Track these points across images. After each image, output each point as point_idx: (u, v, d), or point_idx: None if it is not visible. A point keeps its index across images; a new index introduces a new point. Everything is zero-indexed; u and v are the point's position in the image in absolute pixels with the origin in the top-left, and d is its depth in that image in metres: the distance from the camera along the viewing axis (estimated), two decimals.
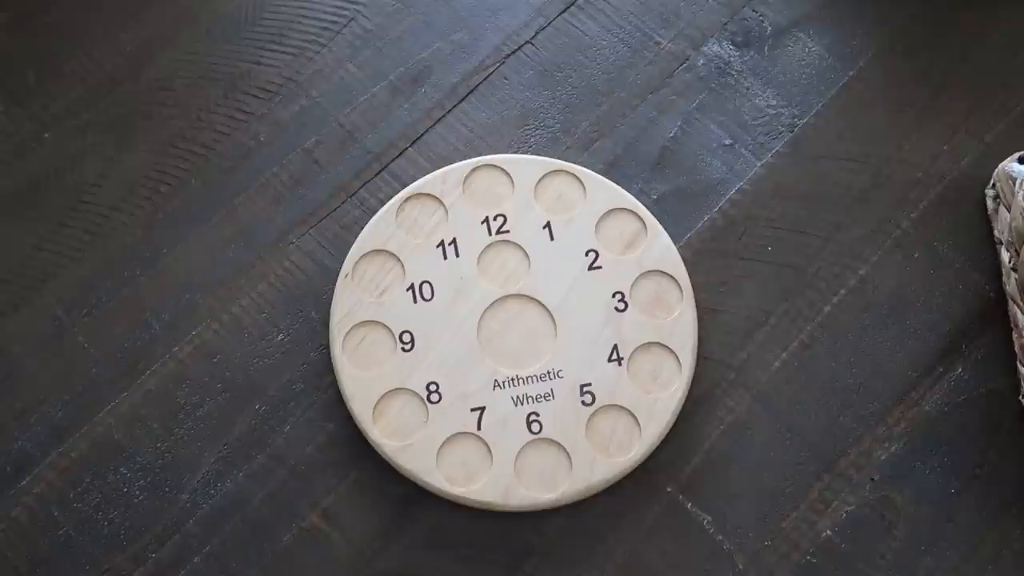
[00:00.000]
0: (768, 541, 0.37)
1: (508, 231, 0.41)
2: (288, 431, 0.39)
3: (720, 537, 0.37)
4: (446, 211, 0.41)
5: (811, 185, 0.42)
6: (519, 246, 0.40)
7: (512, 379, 0.38)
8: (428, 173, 0.42)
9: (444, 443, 0.38)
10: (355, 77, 0.45)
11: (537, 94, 0.44)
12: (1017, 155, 0.40)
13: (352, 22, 0.46)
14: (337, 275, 0.40)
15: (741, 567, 0.37)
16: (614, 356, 0.39)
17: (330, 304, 0.40)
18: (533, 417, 0.38)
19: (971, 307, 0.40)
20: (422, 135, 0.44)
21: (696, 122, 0.43)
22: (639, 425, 0.38)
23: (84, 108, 0.44)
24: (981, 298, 0.40)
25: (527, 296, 0.40)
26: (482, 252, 0.40)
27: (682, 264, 0.40)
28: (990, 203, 0.41)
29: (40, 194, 0.43)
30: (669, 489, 0.38)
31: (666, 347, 0.39)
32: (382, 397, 0.38)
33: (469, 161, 0.42)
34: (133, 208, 0.43)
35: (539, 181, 0.41)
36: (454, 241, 0.40)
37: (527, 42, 0.45)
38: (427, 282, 0.40)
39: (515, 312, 0.40)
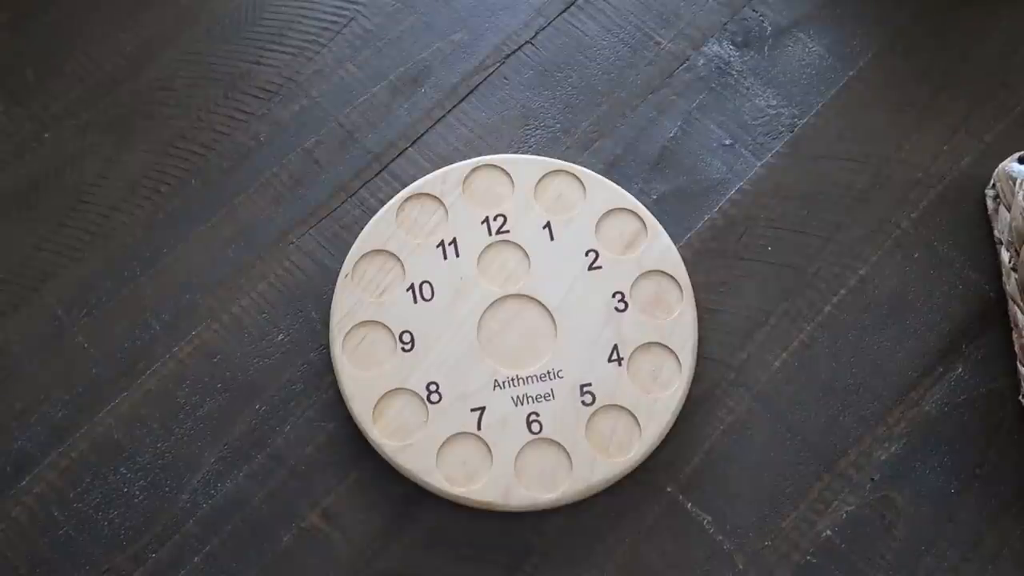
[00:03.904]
0: (768, 541, 0.37)
1: (508, 231, 0.41)
2: (288, 431, 0.39)
3: (720, 537, 0.37)
4: (446, 211, 0.41)
5: (811, 185, 0.42)
6: (519, 246, 0.40)
7: (512, 379, 0.38)
8: (428, 173, 0.42)
9: (444, 443, 0.38)
10: (355, 77, 0.45)
11: (537, 94, 0.44)
12: (1017, 155, 0.40)
13: (352, 22, 0.46)
14: (337, 275, 0.40)
15: (741, 567, 0.37)
16: (614, 356, 0.39)
17: (330, 304, 0.40)
18: (533, 417, 0.38)
19: (971, 307, 0.40)
20: (422, 135, 0.44)
21: (696, 122, 0.43)
22: (639, 425, 0.38)
23: (84, 108, 0.44)
24: (981, 298, 0.40)
25: (527, 296, 0.40)
26: (482, 252, 0.40)
27: (682, 264, 0.40)
28: (990, 203, 0.41)
29: (40, 194, 0.43)
30: (669, 489, 0.38)
31: (666, 347, 0.39)
32: (382, 397, 0.38)
33: (469, 161, 0.42)
34: (133, 208, 0.43)
35: (539, 181, 0.41)
36: (454, 241, 0.40)
37: (527, 42, 0.45)
38: (427, 282, 0.40)
39: (515, 312, 0.40)
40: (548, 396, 0.38)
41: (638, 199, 0.41)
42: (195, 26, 0.45)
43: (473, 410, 0.38)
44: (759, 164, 0.43)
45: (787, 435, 0.39)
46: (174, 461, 0.39)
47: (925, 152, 0.43)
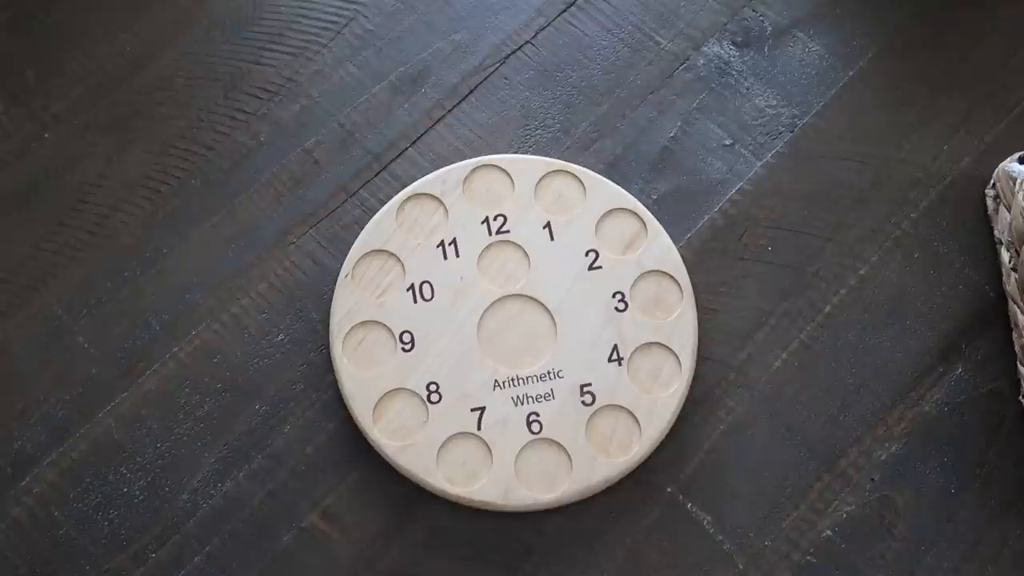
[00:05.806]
0: (768, 541, 0.37)
1: (508, 231, 0.41)
2: (288, 431, 0.39)
3: (720, 537, 0.37)
4: (446, 211, 0.41)
5: (811, 185, 0.42)
6: (519, 246, 0.40)
7: (512, 379, 0.38)
8: (428, 173, 0.42)
9: (444, 443, 0.38)
10: (355, 77, 0.45)
11: (537, 94, 0.44)
12: (1017, 155, 0.40)
13: (352, 22, 0.46)
14: (337, 275, 0.40)
15: (741, 567, 0.37)
16: (614, 356, 0.39)
17: (330, 304, 0.40)
18: (533, 417, 0.38)
19: (971, 307, 0.40)
20: (422, 135, 0.44)
21: (696, 122, 0.43)
22: (639, 425, 0.38)
23: (84, 108, 0.44)
24: (981, 298, 0.40)
25: (527, 296, 0.40)
26: (482, 252, 0.40)
27: (682, 264, 0.40)
28: (990, 203, 0.41)
29: (40, 194, 0.43)
30: (669, 489, 0.38)
31: (666, 347, 0.39)
32: (382, 397, 0.38)
33: (469, 161, 0.42)
34: (133, 208, 0.43)
35: (539, 181, 0.41)
36: (454, 241, 0.40)
37: (527, 42, 0.45)
38: (427, 282, 0.40)
39: (515, 312, 0.40)
40: (548, 396, 0.38)
41: (638, 199, 0.41)
42: (195, 26, 0.45)
43: (473, 410, 0.38)
44: (759, 164, 0.43)
45: (787, 435, 0.39)
46: (174, 461, 0.39)
47: (925, 152, 0.43)
